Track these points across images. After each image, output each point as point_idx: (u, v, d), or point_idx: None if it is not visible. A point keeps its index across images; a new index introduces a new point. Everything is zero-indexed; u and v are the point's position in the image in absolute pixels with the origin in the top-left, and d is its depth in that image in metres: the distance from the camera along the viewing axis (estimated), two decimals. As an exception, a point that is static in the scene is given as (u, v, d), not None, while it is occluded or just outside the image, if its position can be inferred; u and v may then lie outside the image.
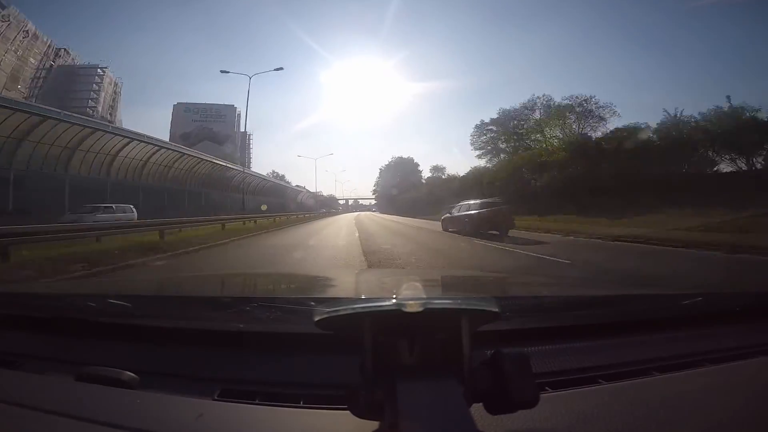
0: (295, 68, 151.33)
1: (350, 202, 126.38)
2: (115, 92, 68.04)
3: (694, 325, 0.96)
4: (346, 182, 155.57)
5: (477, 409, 0.53)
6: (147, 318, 1.01)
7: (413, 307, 0.51)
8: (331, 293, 1.54)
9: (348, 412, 0.55)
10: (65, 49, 63.32)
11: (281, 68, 33.12)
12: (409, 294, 0.56)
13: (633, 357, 0.83)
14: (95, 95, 63.65)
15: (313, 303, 0.94)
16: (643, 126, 25.38)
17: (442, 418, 0.48)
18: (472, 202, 14.91)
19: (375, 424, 0.54)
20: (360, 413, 0.54)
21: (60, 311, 1.03)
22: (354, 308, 0.54)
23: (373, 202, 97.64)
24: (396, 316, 0.51)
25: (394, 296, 0.57)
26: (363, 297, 1.27)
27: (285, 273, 3.60)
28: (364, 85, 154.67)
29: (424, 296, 0.56)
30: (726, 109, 22.23)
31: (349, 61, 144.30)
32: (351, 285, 1.80)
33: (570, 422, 0.61)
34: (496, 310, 0.53)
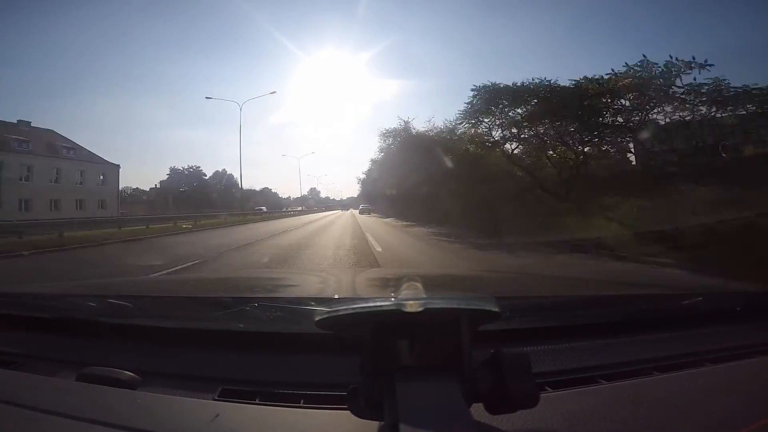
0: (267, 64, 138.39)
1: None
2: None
3: (694, 325, 0.96)
4: (330, 184, 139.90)
5: (477, 409, 0.53)
6: (147, 318, 1.01)
7: (413, 306, 0.51)
8: (331, 293, 1.54)
9: (348, 412, 0.55)
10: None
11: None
12: (409, 294, 0.56)
13: (633, 357, 0.83)
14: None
15: (313, 303, 0.94)
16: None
17: (442, 418, 0.48)
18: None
19: (375, 424, 0.54)
20: (360, 413, 0.54)
21: (60, 311, 1.03)
22: (354, 308, 0.54)
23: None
24: (396, 316, 0.51)
25: (394, 296, 0.57)
26: (363, 297, 1.26)
27: (285, 273, 3.60)
28: (337, 82, 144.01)
29: (424, 296, 0.55)
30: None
31: (322, 55, 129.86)
32: (351, 285, 1.80)
33: (570, 422, 0.61)
34: (496, 309, 0.53)
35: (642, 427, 0.62)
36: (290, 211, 56.87)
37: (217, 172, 71.72)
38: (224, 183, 70.83)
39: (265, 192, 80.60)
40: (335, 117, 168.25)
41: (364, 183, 45.70)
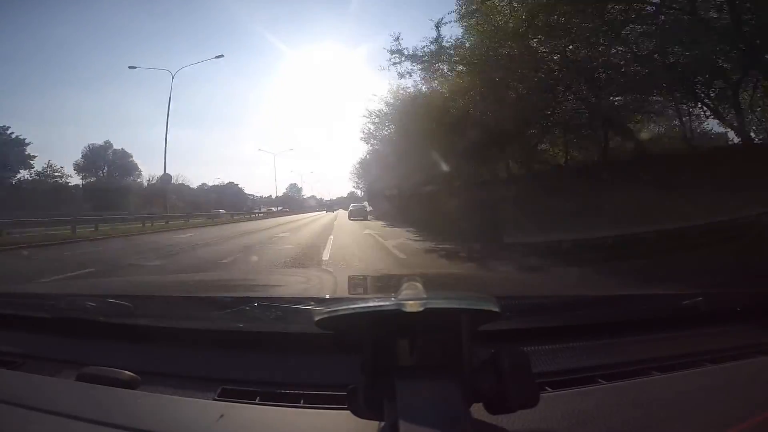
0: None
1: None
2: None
3: (694, 325, 0.96)
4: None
5: (477, 409, 0.53)
6: (147, 318, 1.01)
7: (413, 306, 0.51)
8: (331, 293, 1.54)
9: (348, 412, 0.55)
10: None
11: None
12: (408, 294, 0.56)
13: (633, 357, 0.83)
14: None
15: (313, 303, 0.94)
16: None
17: (442, 417, 0.48)
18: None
19: (375, 424, 0.54)
20: (360, 413, 0.54)
21: (60, 311, 1.03)
22: (354, 308, 0.54)
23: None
24: (396, 316, 0.51)
25: (394, 296, 0.57)
26: (363, 297, 1.26)
27: (285, 273, 3.60)
28: (328, 78, 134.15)
29: (424, 296, 0.55)
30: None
31: (312, 50, 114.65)
32: (351, 285, 1.80)
33: (570, 422, 0.61)
34: (497, 309, 0.53)
35: (641, 427, 0.62)
36: (252, 213, 41.23)
37: (92, 146, 43.00)
38: (110, 164, 43.22)
39: (228, 188, 60.46)
40: (325, 114, 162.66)
41: (366, 159, 31.13)
